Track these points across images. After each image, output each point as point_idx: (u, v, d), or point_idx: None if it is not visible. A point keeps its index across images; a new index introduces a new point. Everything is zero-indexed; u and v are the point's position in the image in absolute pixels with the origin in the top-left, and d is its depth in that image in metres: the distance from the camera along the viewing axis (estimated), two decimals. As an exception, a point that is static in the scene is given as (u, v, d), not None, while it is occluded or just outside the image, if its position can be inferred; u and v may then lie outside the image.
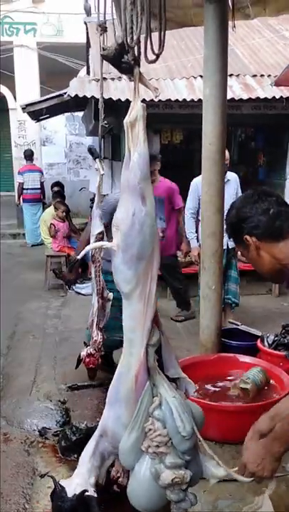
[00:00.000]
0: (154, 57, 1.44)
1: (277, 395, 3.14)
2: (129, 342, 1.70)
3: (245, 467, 1.53)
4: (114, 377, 1.76)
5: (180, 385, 1.78)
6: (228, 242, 4.91)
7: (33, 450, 3.18)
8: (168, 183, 5.42)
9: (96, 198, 3.04)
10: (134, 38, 1.45)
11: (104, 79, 6.70)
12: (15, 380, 4.19)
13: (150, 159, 1.61)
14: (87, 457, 1.83)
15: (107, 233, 2.89)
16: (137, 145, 1.56)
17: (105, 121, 2.73)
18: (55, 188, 9.39)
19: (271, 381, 3.35)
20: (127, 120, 1.56)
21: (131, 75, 1.54)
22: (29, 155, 10.80)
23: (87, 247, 1.82)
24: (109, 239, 1.76)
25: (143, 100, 1.63)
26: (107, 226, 2.73)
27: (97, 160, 2.78)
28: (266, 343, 3.72)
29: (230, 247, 4.98)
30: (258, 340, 3.79)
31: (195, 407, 1.76)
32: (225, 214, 1.85)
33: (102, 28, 2.48)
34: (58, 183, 9.96)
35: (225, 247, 4.71)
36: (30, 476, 2.89)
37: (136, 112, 1.55)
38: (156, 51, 1.42)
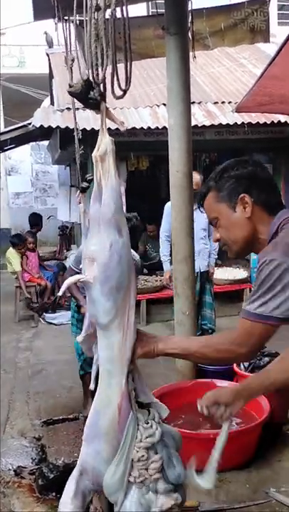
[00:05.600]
0: (120, 92, 1.45)
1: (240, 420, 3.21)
2: (107, 373, 1.67)
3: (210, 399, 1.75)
4: (91, 413, 1.73)
5: (153, 409, 1.77)
6: (200, 266, 4.93)
7: (9, 491, 3.05)
8: None
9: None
10: (100, 74, 1.46)
11: (69, 109, 6.77)
12: (-13, 418, 4.05)
13: None
14: (69, 499, 1.76)
15: None
16: (108, 178, 1.56)
17: (82, 149, 2.73)
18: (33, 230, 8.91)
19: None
20: (96, 154, 1.57)
21: (97, 110, 1.55)
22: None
23: (65, 283, 1.80)
24: None
25: (108, 129, 1.65)
26: None
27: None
28: (242, 367, 3.73)
29: (202, 271, 4.99)
30: (234, 364, 3.79)
31: (171, 429, 1.80)
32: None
33: (71, 60, 2.50)
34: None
35: (197, 270, 4.75)
36: (8, 520, 2.78)
37: (105, 146, 1.56)
38: (123, 87, 1.44)
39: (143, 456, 1.63)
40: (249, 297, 1.55)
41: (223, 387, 1.82)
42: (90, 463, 1.74)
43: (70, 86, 1.51)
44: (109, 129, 1.64)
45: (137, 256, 4.18)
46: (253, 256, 5.79)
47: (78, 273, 2.79)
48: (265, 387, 1.77)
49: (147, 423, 1.67)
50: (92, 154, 1.58)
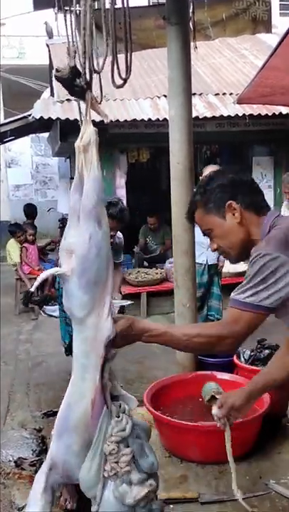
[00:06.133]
0: (121, 81, 1.43)
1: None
2: (81, 367, 1.66)
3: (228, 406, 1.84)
4: (63, 407, 1.72)
5: (121, 401, 1.77)
6: (208, 259, 4.94)
7: (9, 482, 3.06)
8: None
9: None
10: (100, 63, 1.44)
11: (69, 100, 6.73)
12: (-13, 409, 4.06)
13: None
14: (38, 494, 1.73)
15: None
16: (90, 169, 1.54)
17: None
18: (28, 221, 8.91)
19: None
20: (79, 144, 1.55)
21: (82, 99, 1.53)
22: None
23: (40, 276, 1.78)
24: None
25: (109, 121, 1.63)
26: None
27: None
28: (243, 359, 3.72)
29: (210, 263, 5.00)
30: (235, 356, 3.79)
31: (140, 420, 1.82)
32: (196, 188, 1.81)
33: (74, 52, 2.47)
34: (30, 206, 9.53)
35: (205, 262, 4.78)
36: (8, 510, 2.78)
37: (88, 136, 1.54)
38: (124, 76, 1.42)
39: (114, 449, 1.62)
40: (239, 287, 1.57)
41: (232, 393, 1.91)
42: (60, 457, 1.72)
43: (58, 70, 1.48)
44: (110, 121, 1.62)
45: (120, 234, 4.20)
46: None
47: None
48: (269, 386, 1.90)
49: (118, 417, 1.66)
50: (75, 144, 1.56)
